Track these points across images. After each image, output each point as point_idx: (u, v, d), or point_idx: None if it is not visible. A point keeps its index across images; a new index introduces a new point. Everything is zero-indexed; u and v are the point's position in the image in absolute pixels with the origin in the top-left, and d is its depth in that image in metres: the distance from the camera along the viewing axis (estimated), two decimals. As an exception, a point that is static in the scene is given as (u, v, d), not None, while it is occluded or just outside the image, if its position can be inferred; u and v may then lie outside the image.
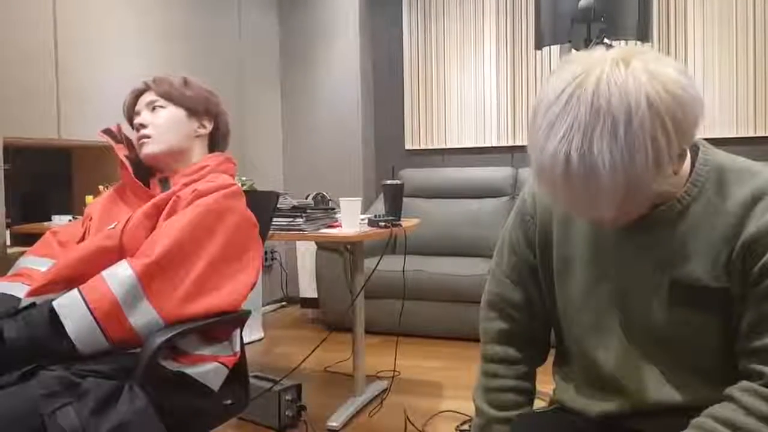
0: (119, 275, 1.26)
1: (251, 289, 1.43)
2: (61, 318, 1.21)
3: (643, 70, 0.84)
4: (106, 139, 1.58)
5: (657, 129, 0.82)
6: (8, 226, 2.68)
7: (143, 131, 1.54)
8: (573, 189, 0.86)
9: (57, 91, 2.84)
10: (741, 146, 3.83)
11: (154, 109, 1.56)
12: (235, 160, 1.65)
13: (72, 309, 1.22)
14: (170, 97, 1.57)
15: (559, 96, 0.85)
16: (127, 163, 1.54)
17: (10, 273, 1.50)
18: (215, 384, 1.36)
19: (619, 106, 0.81)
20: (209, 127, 1.63)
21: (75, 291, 1.25)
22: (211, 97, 1.64)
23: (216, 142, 1.67)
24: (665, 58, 0.87)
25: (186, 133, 1.58)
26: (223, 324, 1.39)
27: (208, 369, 1.34)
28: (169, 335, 1.24)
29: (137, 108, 1.59)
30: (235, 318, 1.42)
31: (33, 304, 1.27)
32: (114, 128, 1.61)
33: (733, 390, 0.91)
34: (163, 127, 1.55)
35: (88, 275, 1.29)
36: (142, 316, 1.25)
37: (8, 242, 2.64)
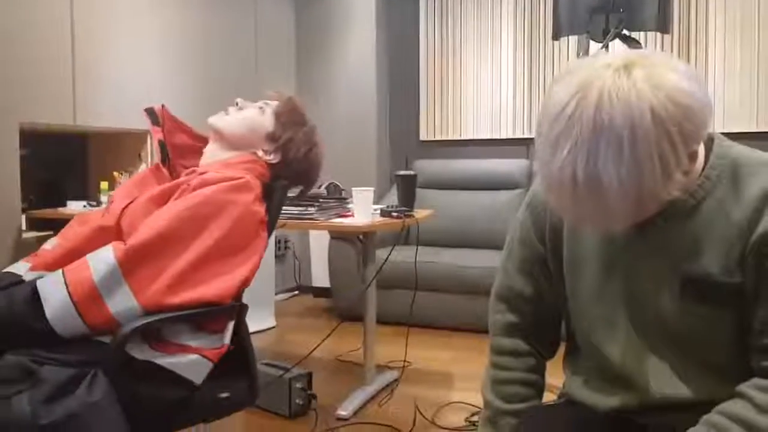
0: (102, 258, 1.22)
1: (244, 285, 1.36)
2: (41, 298, 1.19)
3: (645, 79, 0.81)
4: (146, 119, 1.54)
5: (663, 141, 0.80)
6: (24, 210, 2.72)
7: (231, 108, 1.55)
8: (581, 204, 0.85)
9: (73, 76, 2.86)
10: (760, 141, 3.76)
11: (261, 107, 1.57)
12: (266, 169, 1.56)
13: (53, 289, 1.20)
14: (277, 115, 1.57)
15: (562, 110, 0.83)
16: (157, 146, 1.51)
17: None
18: (195, 376, 1.30)
19: (623, 121, 0.79)
20: (271, 158, 1.56)
21: (59, 271, 1.22)
22: (296, 141, 1.57)
23: (273, 173, 1.59)
24: (670, 62, 0.84)
25: (250, 143, 1.54)
26: (212, 316, 1.33)
27: (185, 360, 1.27)
28: (141, 323, 1.20)
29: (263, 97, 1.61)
30: (225, 310, 1.35)
31: (21, 281, 1.26)
32: (157, 109, 1.56)
33: (746, 387, 0.90)
34: (245, 121, 1.53)
35: (85, 253, 1.26)
36: (121, 302, 1.21)
37: (24, 227, 2.67)
